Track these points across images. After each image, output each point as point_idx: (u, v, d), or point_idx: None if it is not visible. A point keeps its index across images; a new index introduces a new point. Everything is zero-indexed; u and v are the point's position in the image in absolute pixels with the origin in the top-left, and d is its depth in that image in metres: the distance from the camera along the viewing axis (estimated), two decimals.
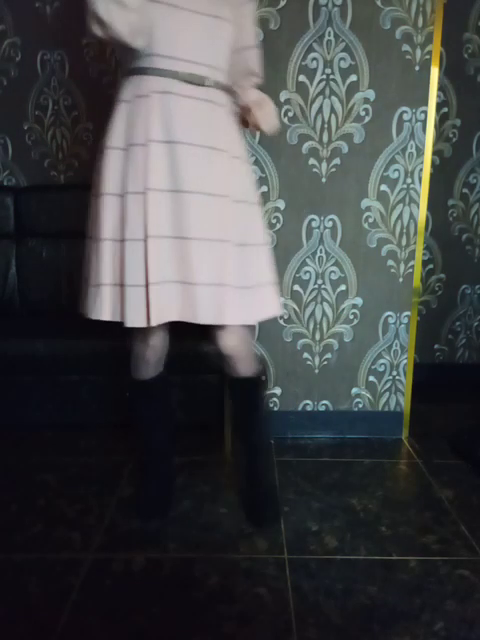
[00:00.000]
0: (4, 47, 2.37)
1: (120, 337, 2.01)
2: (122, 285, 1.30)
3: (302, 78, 1.84)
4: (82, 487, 1.72)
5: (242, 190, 1.37)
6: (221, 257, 1.31)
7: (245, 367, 1.49)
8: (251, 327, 1.50)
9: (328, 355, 2.05)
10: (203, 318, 1.31)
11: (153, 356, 1.49)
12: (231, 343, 1.43)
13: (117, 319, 1.32)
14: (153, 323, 1.29)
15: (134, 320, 1.29)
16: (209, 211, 1.30)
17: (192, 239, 1.29)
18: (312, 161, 1.90)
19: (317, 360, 2.06)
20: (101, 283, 1.31)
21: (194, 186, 1.28)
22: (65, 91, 2.40)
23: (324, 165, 1.91)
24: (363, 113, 1.87)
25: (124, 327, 1.32)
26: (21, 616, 1.20)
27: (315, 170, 1.91)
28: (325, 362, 2.06)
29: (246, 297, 1.36)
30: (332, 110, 1.87)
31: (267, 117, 1.38)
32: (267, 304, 1.43)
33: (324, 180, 1.92)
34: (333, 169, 1.91)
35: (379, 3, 1.79)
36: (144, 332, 1.43)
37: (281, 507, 1.60)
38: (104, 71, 2.38)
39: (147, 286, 1.27)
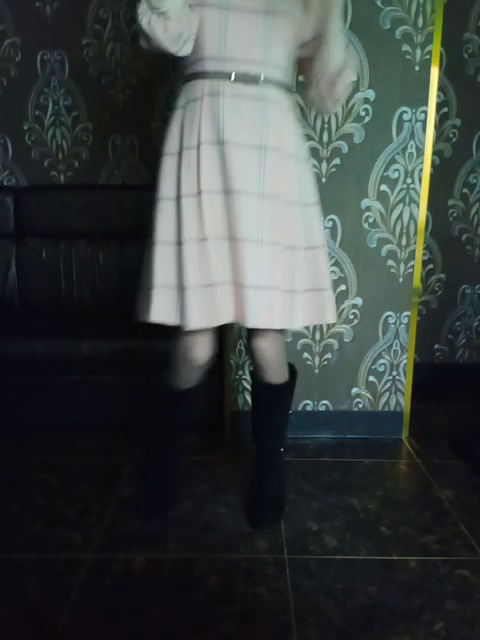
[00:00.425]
0: (4, 47, 2.37)
1: (120, 337, 2.02)
2: (181, 288, 1.29)
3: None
4: (82, 487, 1.72)
5: (296, 191, 1.33)
6: (270, 259, 1.30)
7: (275, 374, 1.48)
8: (283, 335, 1.47)
9: (328, 355, 2.05)
10: (255, 321, 1.30)
11: (197, 366, 1.44)
12: (268, 347, 1.42)
13: (174, 322, 1.31)
14: (214, 324, 1.30)
15: (196, 322, 1.29)
16: (257, 212, 1.28)
17: (241, 240, 1.28)
18: (312, 161, 1.90)
19: (317, 360, 2.06)
20: (154, 286, 1.31)
21: (242, 186, 1.27)
22: (65, 91, 2.40)
23: (324, 165, 1.91)
24: (363, 113, 1.87)
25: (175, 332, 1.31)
26: (21, 616, 1.20)
27: (315, 170, 1.91)
28: (325, 362, 2.06)
29: (296, 301, 1.34)
30: None
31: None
32: (323, 309, 1.41)
33: (324, 180, 1.91)
34: (333, 169, 1.91)
35: (379, 3, 1.79)
36: (193, 340, 1.39)
37: (283, 512, 1.59)
38: (104, 71, 2.38)
39: (210, 287, 1.28)
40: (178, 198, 1.29)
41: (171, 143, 1.32)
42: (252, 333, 1.42)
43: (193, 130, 1.28)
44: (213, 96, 1.27)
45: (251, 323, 1.30)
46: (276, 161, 1.30)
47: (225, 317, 1.31)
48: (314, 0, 1.31)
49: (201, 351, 1.40)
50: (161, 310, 1.32)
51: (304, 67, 1.43)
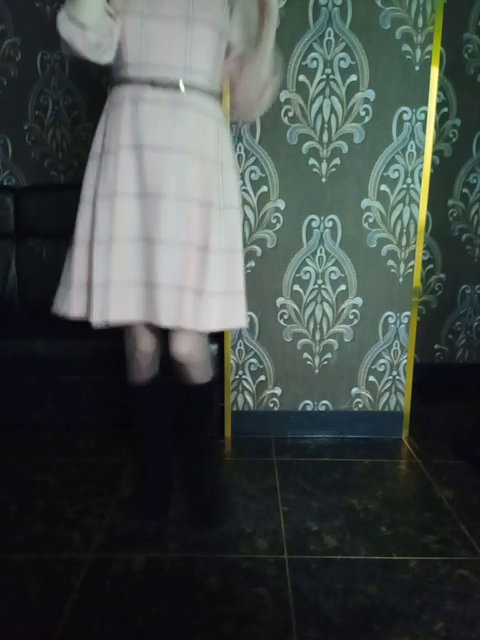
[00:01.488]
0: (4, 47, 2.37)
1: (120, 338, 2.01)
2: (90, 285, 1.34)
3: (302, 78, 1.84)
4: (82, 487, 1.72)
5: (213, 193, 1.34)
6: (183, 260, 1.31)
7: (198, 374, 1.50)
8: (205, 334, 1.46)
9: (328, 355, 2.05)
10: (164, 320, 1.32)
11: (144, 359, 1.50)
12: (184, 350, 1.42)
13: (84, 317, 1.36)
14: (117, 319, 1.33)
15: (99, 318, 1.32)
16: (173, 214, 1.30)
17: (155, 241, 1.30)
18: (312, 161, 1.90)
19: (317, 360, 2.06)
20: (70, 283, 1.37)
21: (158, 189, 1.29)
22: (65, 91, 2.41)
23: (324, 165, 1.91)
24: (363, 113, 1.87)
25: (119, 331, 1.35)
26: (21, 616, 1.20)
27: (315, 170, 1.91)
28: (325, 362, 2.06)
29: (210, 303, 1.33)
30: (332, 110, 1.87)
31: None
32: (234, 314, 1.40)
33: (324, 180, 1.92)
34: (333, 169, 1.91)
35: (379, 3, 1.79)
36: (133, 335, 1.46)
37: (229, 506, 1.60)
38: (104, 71, 2.36)
39: (112, 284, 1.31)
40: (94, 199, 1.33)
41: (95, 146, 1.36)
42: (172, 335, 1.42)
43: (113, 134, 1.31)
44: (133, 101, 1.29)
45: (162, 322, 1.32)
46: (193, 164, 1.31)
47: (129, 315, 1.34)
48: (238, 6, 1.34)
49: (142, 343, 1.46)
50: (76, 306, 1.37)
51: (230, 72, 1.44)
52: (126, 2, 1.26)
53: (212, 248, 1.33)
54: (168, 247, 1.30)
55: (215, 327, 1.37)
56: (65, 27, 1.23)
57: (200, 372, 1.50)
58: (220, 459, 1.71)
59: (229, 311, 1.38)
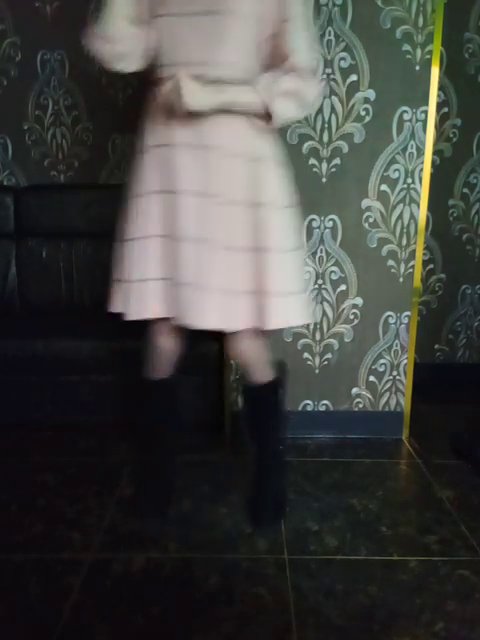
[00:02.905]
0: (4, 47, 2.37)
1: (120, 337, 2.01)
2: (126, 281, 1.38)
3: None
4: (82, 487, 1.72)
5: (239, 190, 1.32)
6: (208, 259, 1.32)
7: (257, 374, 1.50)
8: (264, 334, 1.46)
9: (328, 355, 2.05)
10: (186, 320, 1.34)
11: (164, 357, 1.51)
12: (245, 349, 1.43)
13: (122, 311, 1.40)
14: (145, 316, 1.37)
15: (133, 313, 1.37)
16: (195, 211, 1.30)
17: (180, 239, 1.32)
18: (312, 161, 1.90)
19: (317, 360, 2.06)
20: (117, 279, 1.41)
21: (184, 186, 1.30)
22: (65, 91, 2.40)
23: (324, 165, 1.90)
24: (363, 113, 1.87)
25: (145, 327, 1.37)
26: (21, 616, 1.20)
27: (315, 170, 1.91)
28: (325, 362, 2.06)
29: (236, 302, 1.34)
30: (332, 110, 1.86)
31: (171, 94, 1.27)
32: (264, 314, 1.38)
33: (324, 180, 1.91)
34: (333, 169, 1.91)
35: (379, 3, 1.79)
36: (154, 332, 1.47)
37: (284, 512, 1.59)
38: (104, 71, 2.37)
39: (142, 282, 1.36)
40: (144, 195, 1.36)
41: (139, 143, 1.39)
42: (227, 335, 1.44)
43: (151, 132, 1.35)
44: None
45: (185, 321, 1.34)
46: (217, 159, 1.30)
47: (159, 312, 1.38)
48: None
49: (163, 340, 1.48)
50: (116, 301, 1.41)
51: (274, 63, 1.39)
52: (159, 6, 1.28)
53: (236, 247, 1.33)
54: (190, 245, 1.32)
55: (279, 325, 1.39)
56: (92, 43, 1.30)
57: (260, 372, 1.50)
58: (284, 462, 1.70)
59: (255, 311, 1.38)
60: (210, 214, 1.31)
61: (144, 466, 1.70)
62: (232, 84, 1.30)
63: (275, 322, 1.36)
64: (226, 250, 1.33)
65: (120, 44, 1.29)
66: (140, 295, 1.37)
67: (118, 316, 1.40)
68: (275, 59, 1.34)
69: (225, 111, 1.29)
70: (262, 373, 1.51)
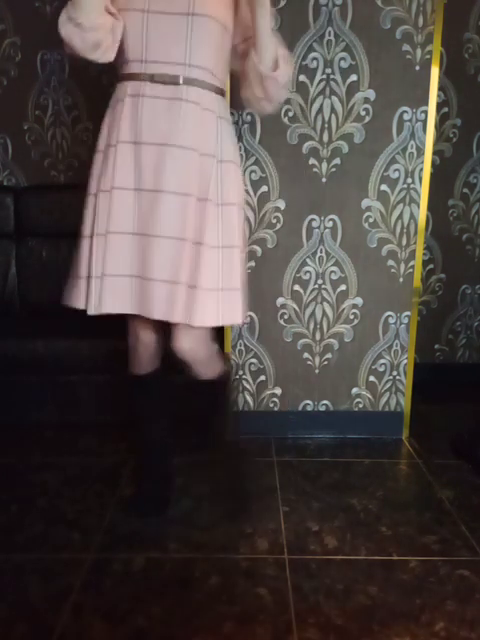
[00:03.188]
0: (4, 47, 2.37)
1: (120, 337, 2.01)
2: (89, 277, 1.37)
3: (302, 78, 1.84)
4: (82, 487, 1.72)
5: (211, 189, 1.34)
6: (178, 255, 1.32)
7: (203, 370, 1.49)
8: (210, 329, 1.46)
9: (328, 355, 2.05)
10: (156, 314, 1.34)
11: (145, 351, 1.51)
12: (185, 345, 1.42)
13: (83, 307, 1.38)
14: (111, 311, 1.36)
15: (90, 308, 1.35)
16: (169, 209, 1.31)
17: (152, 236, 1.32)
18: (312, 161, 1.90)
19: (317, 360, 2.06)
20: (75, 275, 1.40)
21: (154, 184, 1.31)
22: (65, 91, 2.40)
23: (324, 165, 1.90)
24: (363, 113, 1.87)
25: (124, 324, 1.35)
26: (21, 616, 1.20)
27: (315, 170, 1.91)
28: (325, 362, 2.06)
29: (203, 298, 1.34)
30: (332, 110, 1.86)
31: None
32: (231, 310, 1.39)
33: (324, 180, 1.91)
34: (333, 169, 1.91)
35: (379, 3, 1.79)
36: (135, 327, 1.48)
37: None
38: (104, 71, 2.37)
39: (110, 277, 1.34)
40: (96, 194, 1.35)
41: (100, 141, 1.38)
42: (173, 332, 1.42)
43: (114, 129, 1.33)
44: (134, 97, 1.31)
45: (154, 315, 1.34)
46: (188, 159, 1.32)
47: (126, 307, 1.37)
48: (242, 0, 1.34)
49: (143, 335, 1.48)
50: (75, 297, 1.39)
51: (241, 69, 1.43)
52: (136, 0, 1.26)
53: (206, 243, 1.33)
54: (163, 242, 1.32)
55: (209, 322, 1.37)
56: (64, 27, 1.26)
57: (204, 368, 1.49)
58: (220, 460, 1.70)
59: (225, 307, 1.38)
60: (181, 212, 1.32)
61: (142, 464, 1.70)
62: (201, 87, 1.32)
63: (201, 319, 1.35)
64: (196, 246, 1.34)
65: (94, 33, 1.25)
66: (107, 290, 1.35)
67: (117, 316, 1.40)
68: (240, 68, 1.41)
69: (200, 108, 1.31)
70: (208, 369, 1.51)
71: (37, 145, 2.46)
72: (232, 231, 1.39)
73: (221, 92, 1.39)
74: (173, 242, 1.32)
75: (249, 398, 2.08)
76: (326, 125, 1.88)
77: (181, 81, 1.29)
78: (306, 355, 2.05)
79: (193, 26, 1.27)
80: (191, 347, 1.43)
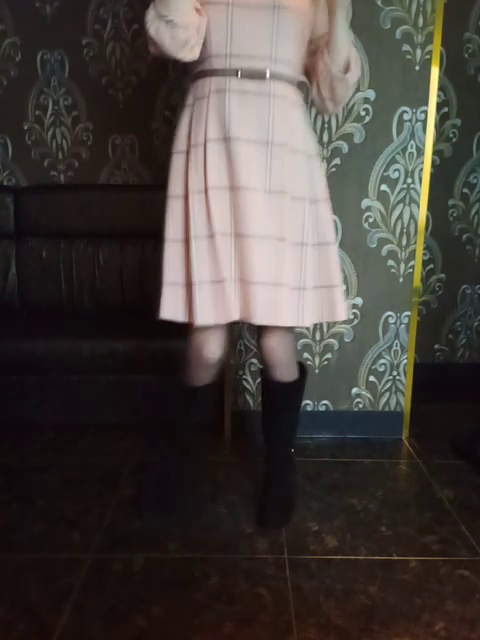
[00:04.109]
0: (4, 47, 2.37)
1: (120, 337, 2.01)
2: (190, 284, 1.30)
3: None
4: (82, 487, 1.72)
5: (304, 186, 1.33)
6: (277, 256, 1.30)
7: (283, 372, 1.48)
8: (291, 332, 1.46)
9: (328, 355, 2.05)
10: (259, 318, 1.30)
11: (205, 365, 1.43)
12: (272, 345, 1.41)
13: (182, 319, 1.33)
14: (222, 320, 1.31)
15: (204, 319, 1.29)
16: (264, 208, 1.29)
17: (247, 236, 1.28)
18: None
19: (317, 360, 2.05)
20: (163, 283, 1.34)
21: (249, 182, 1.28)
22: (65, 91, 2.40)
23: (324, 165, 1.90)
24: (363, 113, 1.87)
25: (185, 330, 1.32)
26: (21, 616, 1.20)
27: None
28: (325, 362, 2.06)
29: (305, 298, 1.33)
30: None
31: None
32: (334, 307, 1.40)
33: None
34: (333, 169, 1.91)
35: (379, 3, 1.79)
36: (201, 341, 1.39)
37: (291, 513, 1.58)
38: (104, 71, 2.38)
39: (218, 283, 1.29)
40: (186, 196, 1.31)
41: (180, 141, 1.34)
42: (260, 331, 1.43)
43: (200, 128, 1.29)
44: (219, 93, 1.28)
45: (257, 320, 1.31)
46: (282, 156, 1.30)
47: (234, 314, 1.31)
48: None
49: (212, 349, 1.40)
50: (170, 307, 1.34)
51: (307, 66, 1.42)
52: None
53: (307, 243, 1.33)
54: (262, 242, 1.29)
55: (312, 321, 1.37)
56: (154, 25, 1.22)
57: (285, 370, 1.48)
58: (294, 464, 1.69)
59: (326, 305, 1.38)
60: (278, 211, 1.30)
61: (145, 465, 1.69)
62: (286, 81, 1.30)
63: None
64: (297, 246, 1.32)
65: (183, 30, 1.21)
66: (215, 298, 1.29)
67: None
68: (309, 67, 1.39)
69: (286, 103, 1.29)
70: (288, 371, 1.49)
71: (37, 145, 2.46)
72: (327, 228, 1.39)
73: (302, 85, 1.38)
74: (274, 243, 1.30)
75: (249, 398, 2.08)
76: (326, 125, 1.88)
77: (268, 75, 1.27)
78: (306, 355, 2.05)
79: (279, 19, 1.24)
80: (282, 347, 1.43)
